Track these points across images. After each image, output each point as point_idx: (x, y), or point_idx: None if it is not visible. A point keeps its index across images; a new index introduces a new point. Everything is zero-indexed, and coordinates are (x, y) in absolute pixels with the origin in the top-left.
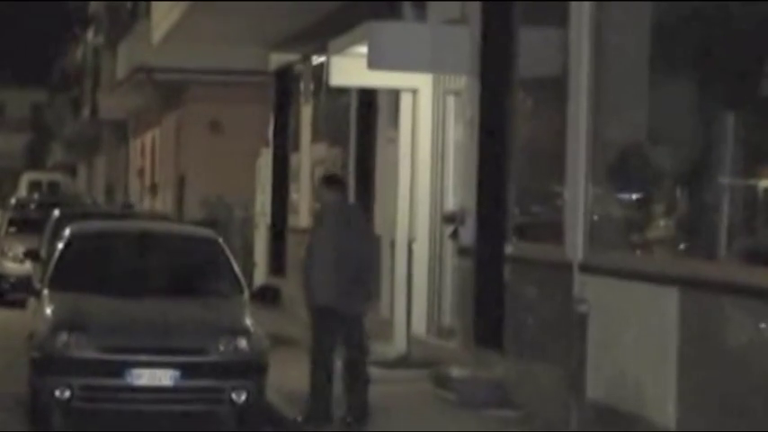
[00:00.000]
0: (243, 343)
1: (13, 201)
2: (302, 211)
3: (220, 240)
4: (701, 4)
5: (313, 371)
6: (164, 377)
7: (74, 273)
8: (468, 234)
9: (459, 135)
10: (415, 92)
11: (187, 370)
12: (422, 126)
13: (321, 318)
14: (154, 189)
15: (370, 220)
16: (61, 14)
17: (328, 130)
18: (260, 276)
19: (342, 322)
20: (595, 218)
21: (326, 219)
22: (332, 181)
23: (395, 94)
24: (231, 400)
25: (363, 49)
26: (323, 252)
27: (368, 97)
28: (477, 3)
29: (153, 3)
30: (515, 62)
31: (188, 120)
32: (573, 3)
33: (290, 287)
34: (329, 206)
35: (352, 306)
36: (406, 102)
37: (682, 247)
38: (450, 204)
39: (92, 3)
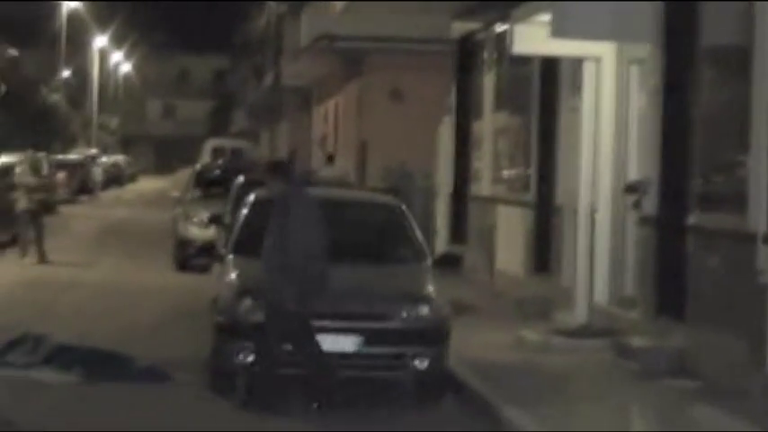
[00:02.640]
0: (425, 310)
1: (197, 167)
2: (484, 179)
3: (404, 207)
4: None
5: None
6: (346, 343)
7: (258, 238)
8: (650, 204)
9: (643, 104)
10: (598, 60)
11: (370, 336)
12: (604, 95)
13: None
14: (330, 159)
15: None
16: None
17: (510, 99)
18: (441, 244)
19: None
20: None
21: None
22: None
23: (577, 63)
24: (413, 366)
25: (546, 18)
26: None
27: (550, 66)
28: None
29: None
30: (699, 30)
31: (369, 88)
32: None
33: (471, 255)
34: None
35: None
36: (588, 70)
37: None
38: (633, 174)
39: None
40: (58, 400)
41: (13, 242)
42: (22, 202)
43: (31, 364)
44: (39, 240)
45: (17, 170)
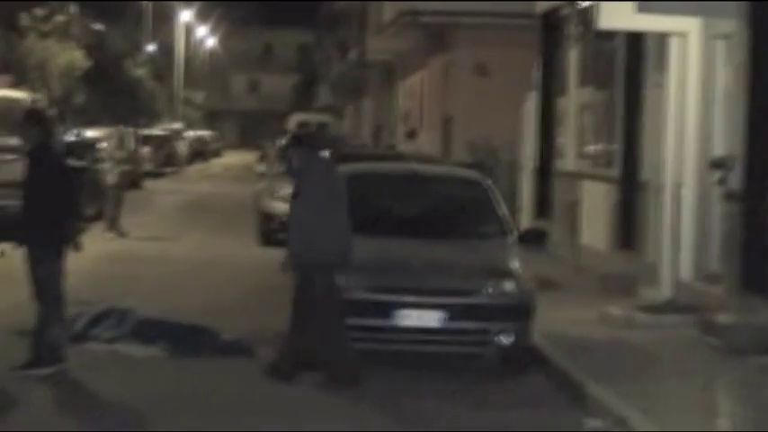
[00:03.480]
0: (510, 285)
1: (282, 142)
2: (568, 155)
3: (488, 183)
4: None
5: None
6: (431, 318)
7: None
8: (735, 179)
9: (729, 80)
10: (683, 35)
11: (454, 311)
12: (690, 70)
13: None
14: (412, 134)
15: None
16: None
17: (595, 74)
18: (525, 220)
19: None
20: None
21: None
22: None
23: (663, 38)
24: (497, 342)
25: None
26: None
27: (635, 41)
28: None
29: None
30: None
31: (454, 63)
32: None
33: (556, 230)
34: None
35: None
36: (674, 46)
37: None
38: (718, 150)
39: None
40: (142, 373)
41: (98, 216)
42: (109, 177)
43: (115, 339)
44: (115, 214)
45: (105, 145)
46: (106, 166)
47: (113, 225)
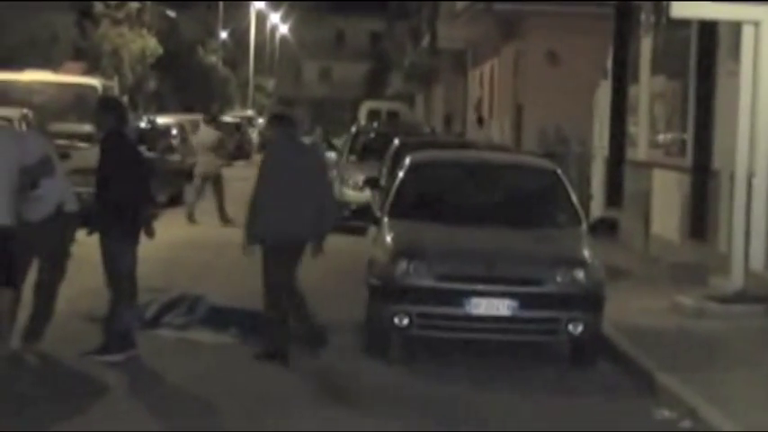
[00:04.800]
0: (580, 274)
1: (353, 129)
2: (640, 144)
3: (559, 171)
4: None
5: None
6: (501, 307)
7: (413, 202)
8: None
9: None
10: (757, 24)
11: (525, 300)
12: (763, 59)
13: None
14: (480, 122)
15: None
16: None
17: (667, 63)
18: (596, 209)
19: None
20: None
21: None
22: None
23: (736, 26)
24: (567, 331)
25: None
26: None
27: (709, 29)
28: None
29: None
30: None
31: (526, 51)
32: None
33: (627, 220)
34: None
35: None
36: (747, 34)
37: None
38: None
39: None
40: (212, 360)
41: (170, 203)
42: (200, 166)
43: (187, 325)
44: (220, 202)
45: (197, 132)
46: (197, 154)
47: (220, 214)
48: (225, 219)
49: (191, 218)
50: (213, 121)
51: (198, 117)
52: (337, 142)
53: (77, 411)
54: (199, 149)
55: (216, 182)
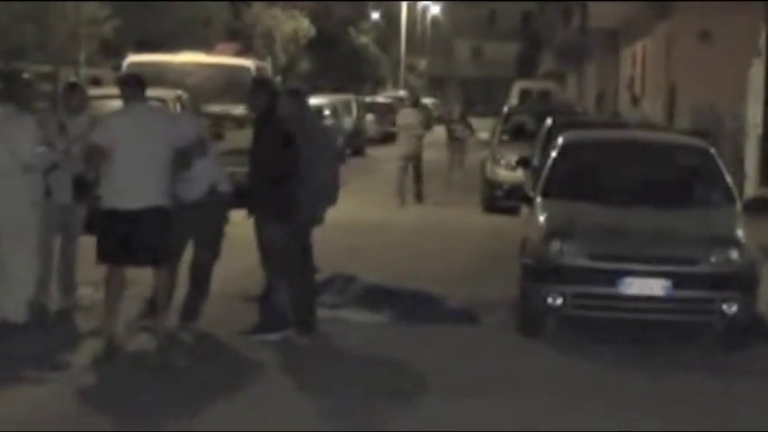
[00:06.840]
0: (735, 254)
1: (505, 109)
2: None
3: (712, 150)
4: None
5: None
6: (655, 286)
7: (566, 181)
8: None
9: None
10: None
11: (679, 280)
12: None
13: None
14: (634, 101)
15: None
16: None
17: None
18: (750, 188)
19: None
20: None
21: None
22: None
23: None
24: (722, 311)
25: None
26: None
27: None
28: None
29: None
30: None
31: (678, 30)
32: None
33: None
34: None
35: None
36: None
37: None
38: None
39: None
40: (366, 338)
41: None
42: (402, 147)
43: (340, 305)
44: (418, 183)
45: (400, 113)
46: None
47: (417, 193)
48: (420, 198)
49: (403, 199)
50: (416, 104)
51: (349, 97)
52: (483, 124)
53: (232, 388)
54: (400, 131)
55: (417, 162)
